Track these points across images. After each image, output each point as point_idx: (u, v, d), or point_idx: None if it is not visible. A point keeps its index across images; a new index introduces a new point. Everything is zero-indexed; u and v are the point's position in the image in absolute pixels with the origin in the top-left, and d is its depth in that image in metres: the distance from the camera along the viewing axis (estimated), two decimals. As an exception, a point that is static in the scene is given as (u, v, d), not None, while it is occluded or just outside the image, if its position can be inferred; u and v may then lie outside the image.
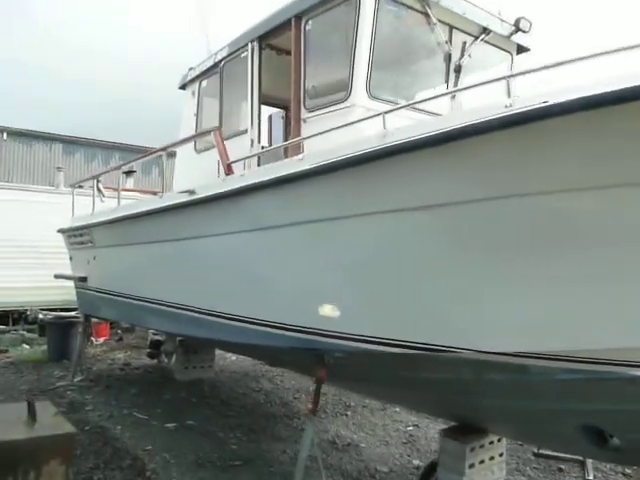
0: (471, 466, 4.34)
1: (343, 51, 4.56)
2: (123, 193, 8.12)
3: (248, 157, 4.85)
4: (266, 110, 6.49)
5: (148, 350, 9.78)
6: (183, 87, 6.78)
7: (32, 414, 4.33)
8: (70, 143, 23.04)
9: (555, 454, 5.65)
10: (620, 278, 2.57)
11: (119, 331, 12.21)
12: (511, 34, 5.26)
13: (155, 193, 9.02)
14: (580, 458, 5.47)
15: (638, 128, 2.26)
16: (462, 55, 4.97)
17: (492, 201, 2.83)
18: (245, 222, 4.22)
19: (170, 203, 5.14)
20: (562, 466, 5.47)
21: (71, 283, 9.19)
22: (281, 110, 7.29)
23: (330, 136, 3.83)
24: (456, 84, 4.99)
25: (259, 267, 4.18)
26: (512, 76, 4.26)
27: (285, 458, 5.40)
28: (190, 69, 6.75)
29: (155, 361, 9.66)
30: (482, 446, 4.43)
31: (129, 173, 12.80)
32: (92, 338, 11.31)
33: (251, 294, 4.33)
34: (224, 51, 5.82)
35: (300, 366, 5.06)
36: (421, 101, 4.49)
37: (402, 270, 3.24)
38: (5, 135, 21.33)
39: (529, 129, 2.46)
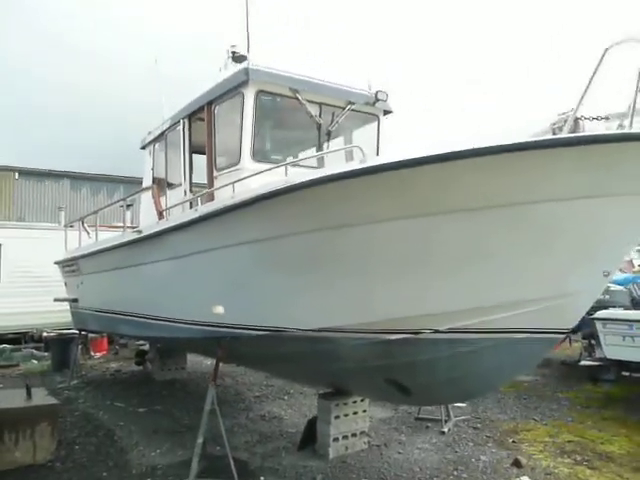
0: (336, 417, 6.13)
1: (237, 128, 6.46)
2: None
3: (171, 207, 6.76)
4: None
5: (135, 359, 11.66)
6: (143, 147, 8.73)
7: (29, 394, 6.23)
8: (76, 179, 25.07)
9: (429, 417, 7.40)
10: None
11: (117, 346, 14.18)
12: (373, 103, 7.10)
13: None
14: (445, 418, 7.21)
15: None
16: (332, 123, 6.82)
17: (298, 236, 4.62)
18: (167, 252, 6.11)
19: (124, 240, 7.07)
20: (429, 424, 7.20)
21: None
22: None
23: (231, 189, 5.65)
24: (328, 147, 6.82)
25: (177, 284, 6.06)
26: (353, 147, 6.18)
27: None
28: (148, 133, 8.69)
29: (141, 368, 11.52)
30: (345, 403, 6.22)
31: (128, 206, 14.85)
32: (91, 352, 13.29)
33: (174, 303, 6.21)
34: (166, 124, 7.76)
35: (209, 350, 6.92)
36: (279, 165, 6.36)
37: (252, 280, 5.07)
38: (17, 175, 23.43)
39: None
